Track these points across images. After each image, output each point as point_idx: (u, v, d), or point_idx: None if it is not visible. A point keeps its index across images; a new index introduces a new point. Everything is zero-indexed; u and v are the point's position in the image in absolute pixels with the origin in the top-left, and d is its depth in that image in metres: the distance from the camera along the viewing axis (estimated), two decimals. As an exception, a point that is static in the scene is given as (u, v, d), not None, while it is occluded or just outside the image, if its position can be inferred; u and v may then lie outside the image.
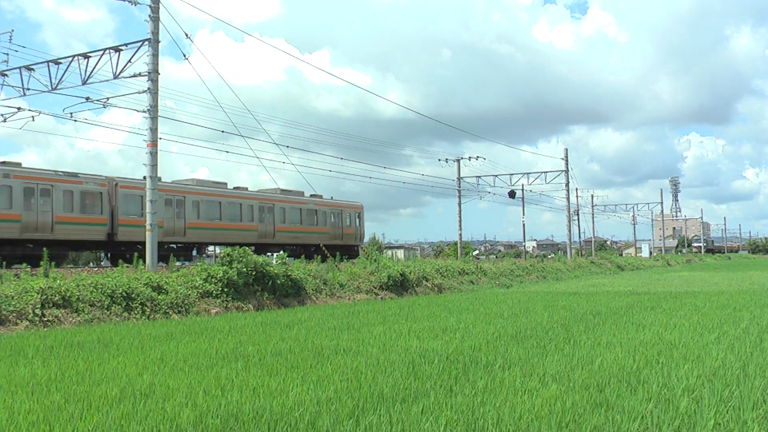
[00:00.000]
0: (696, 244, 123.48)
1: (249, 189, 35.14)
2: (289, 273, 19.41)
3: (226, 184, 34.21)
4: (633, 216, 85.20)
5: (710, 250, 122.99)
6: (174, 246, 30.44)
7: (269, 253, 33.36)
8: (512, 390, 6.00)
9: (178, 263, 21.85)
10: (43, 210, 24.73)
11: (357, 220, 41.13)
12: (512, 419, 5.02)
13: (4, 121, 23.71)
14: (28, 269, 16.66)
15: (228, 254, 18.09)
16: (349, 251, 37.85)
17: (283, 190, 36.17)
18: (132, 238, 26.62)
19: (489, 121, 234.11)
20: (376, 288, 22.42)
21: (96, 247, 18.80)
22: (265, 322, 12.71)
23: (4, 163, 24.93)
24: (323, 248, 27.03)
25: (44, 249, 17.19)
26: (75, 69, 21.48)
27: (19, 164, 25.28)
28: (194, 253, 32.05)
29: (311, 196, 37.90)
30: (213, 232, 31.82)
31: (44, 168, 26.37)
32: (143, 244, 20.27)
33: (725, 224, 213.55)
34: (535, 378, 6.55)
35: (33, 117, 23.58)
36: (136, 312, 14.54)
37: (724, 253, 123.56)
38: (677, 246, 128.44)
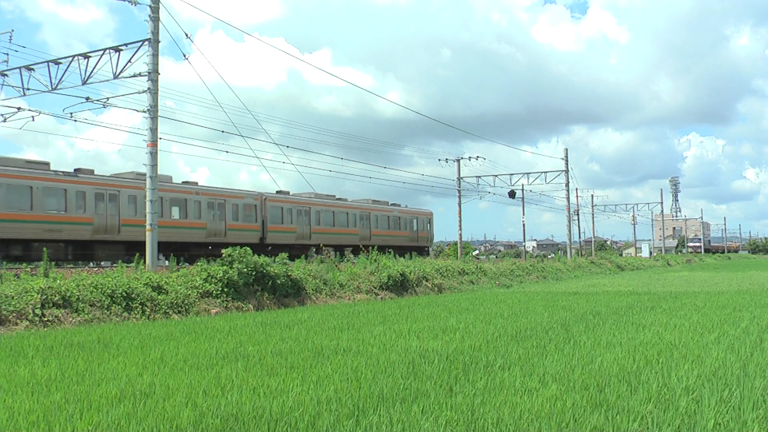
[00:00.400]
0: (692, 244, 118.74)
1: (348, 200, 42.75)
2: (289, 273, 19.41)
3: (334, 196, 41.64)
4: (633, 216, 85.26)
5: (707, 251, 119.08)
6: (298, 246, 37.14)
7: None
8: (512, 390, 6.01)
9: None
10: (220, 219, 31.96)
11: (428, 225, 49.26)
12: (512, 419, 5.02)
13: (4, 121, 23.71)
14: (28, 269, 16.68)
15: (229, 254, 18.08)
16: (422, 251, 46.47)
17: (374, 201, 44.58)
18: (277, 242, 34.25)
19: (489, 121, 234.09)
20: (376, 288, 22.42)
21: (252, 248, 23.72)
22: (265, 322, 12.71)
23: (187, 182, 32.20)
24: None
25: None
26: (75, 69, 21.48)
27: (196, 183, 32.82)
28: (314, 252, 38.15)
29: (391, 204, 45.82)
30: (329, 236, 39.33)
31: (217, 186, 34.57)
32: (285, 246, 28.41)
33: (725, 224, 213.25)
34: (535, 378, 6.55)
35: (33, 117, 23.58)
36: (136, 312, 14.54)
37: (724, 253, 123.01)
38: (677, 246, 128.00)
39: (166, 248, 28.68)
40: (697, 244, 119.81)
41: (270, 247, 33.76)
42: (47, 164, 26.69)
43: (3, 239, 24.06)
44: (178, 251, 28.90)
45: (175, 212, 30.94)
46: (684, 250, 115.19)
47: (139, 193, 27.80)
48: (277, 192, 36.91)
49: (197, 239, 31.41)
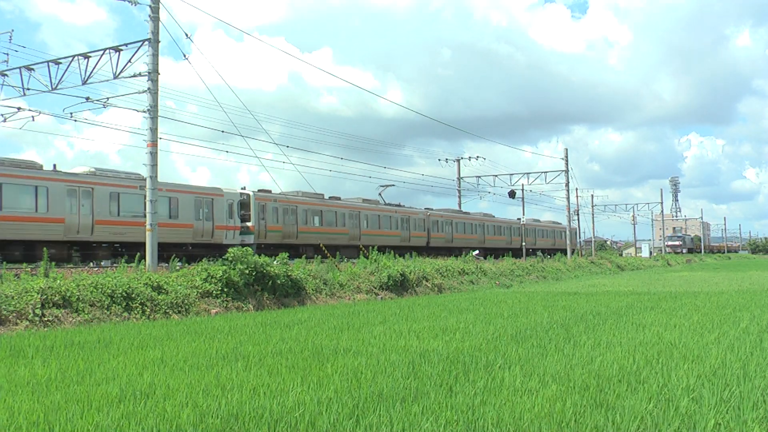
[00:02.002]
0: (671, 243, 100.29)
1: (540, 221, 65.70)
2: (289, 273, 19.40)
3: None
4: (633, 216, 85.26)
5: (692, 250, 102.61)
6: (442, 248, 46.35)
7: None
8: (512, 390, 6.01)
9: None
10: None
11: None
12: (512, 419, 5.02)
13: (4, 121, 23.72)
14: (28, 269, 16.69)
15: (232, 254, 18.08)
16: (563, 252, 61.23)
17: (534, 220, 64.14)
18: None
19: (489, 121, 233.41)
20: (376, 288, 22.42)
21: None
22: (265, 322, 12.71)
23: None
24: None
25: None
26: (75, 69, 21.48)
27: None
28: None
29: (544, 221, 68.02)
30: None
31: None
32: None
33: (725, 224, 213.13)
34: (535, 378, 6.55)
35: (33, 117, 23.61)
36: (136, 312, 14.54)
37: (723, 252, 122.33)
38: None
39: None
40: (677, 242, 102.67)
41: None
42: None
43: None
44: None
45: None
46: (685, 250, 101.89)
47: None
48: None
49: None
